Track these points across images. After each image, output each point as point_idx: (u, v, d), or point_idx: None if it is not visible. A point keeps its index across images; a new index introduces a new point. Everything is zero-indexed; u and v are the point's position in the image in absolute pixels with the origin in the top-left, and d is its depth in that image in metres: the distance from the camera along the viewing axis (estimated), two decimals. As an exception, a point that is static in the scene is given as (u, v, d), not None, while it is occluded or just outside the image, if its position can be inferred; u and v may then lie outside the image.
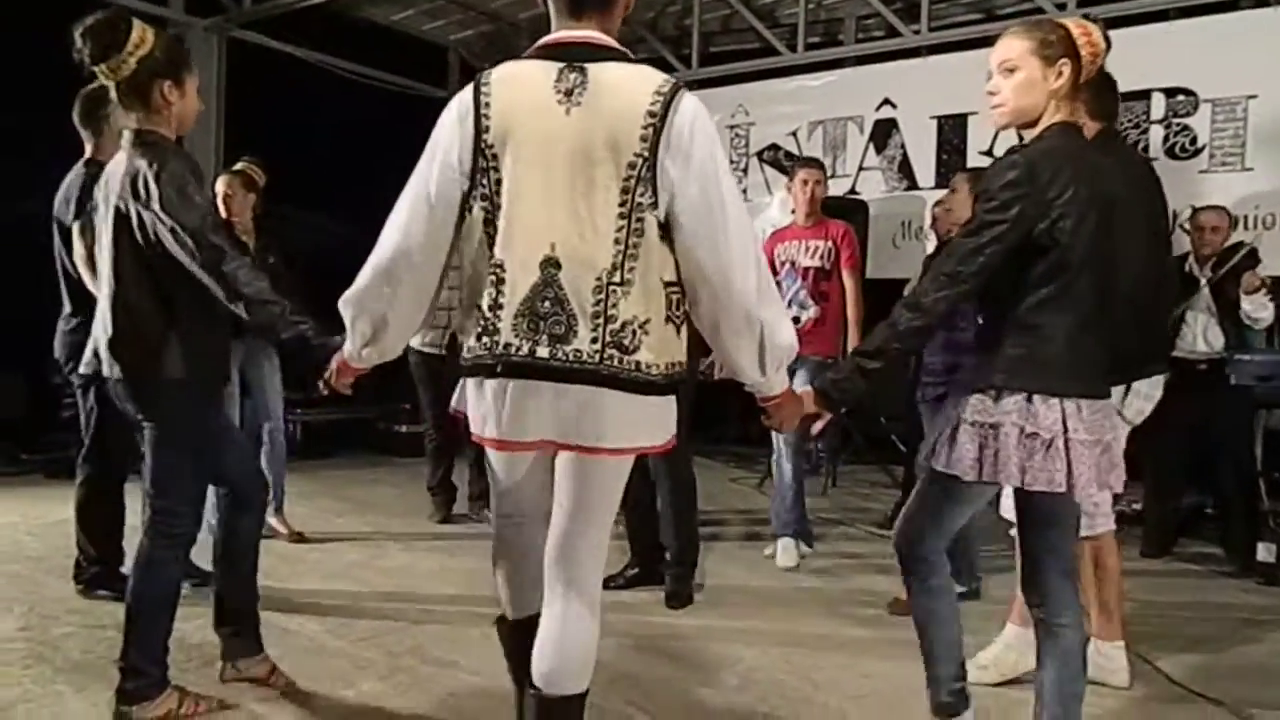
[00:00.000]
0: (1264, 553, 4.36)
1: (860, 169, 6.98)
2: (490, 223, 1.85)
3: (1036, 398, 2.06)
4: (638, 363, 1.81)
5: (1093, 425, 2.08)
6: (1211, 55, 5.42)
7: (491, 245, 1.85)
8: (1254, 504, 4.62)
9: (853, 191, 6.86)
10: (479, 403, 1.89)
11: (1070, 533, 2.26)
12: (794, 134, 7.44)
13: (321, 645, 3.20)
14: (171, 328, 2.49)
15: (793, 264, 4.49)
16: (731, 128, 7.76)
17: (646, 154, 1.81)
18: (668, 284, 1.85)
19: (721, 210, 1.83)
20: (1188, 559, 4.79)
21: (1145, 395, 3.00)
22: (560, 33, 1.93)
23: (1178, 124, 5.57)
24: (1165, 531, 4.89)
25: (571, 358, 1.80)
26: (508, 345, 1.82)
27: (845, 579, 4.20)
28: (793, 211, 4.72)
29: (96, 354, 2.59)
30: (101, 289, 2.59)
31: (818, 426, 2.36)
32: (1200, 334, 4.64)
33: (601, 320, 1.80)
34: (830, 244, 4.49)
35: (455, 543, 4.74)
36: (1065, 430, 2.05)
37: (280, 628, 3.31)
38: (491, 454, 1.97)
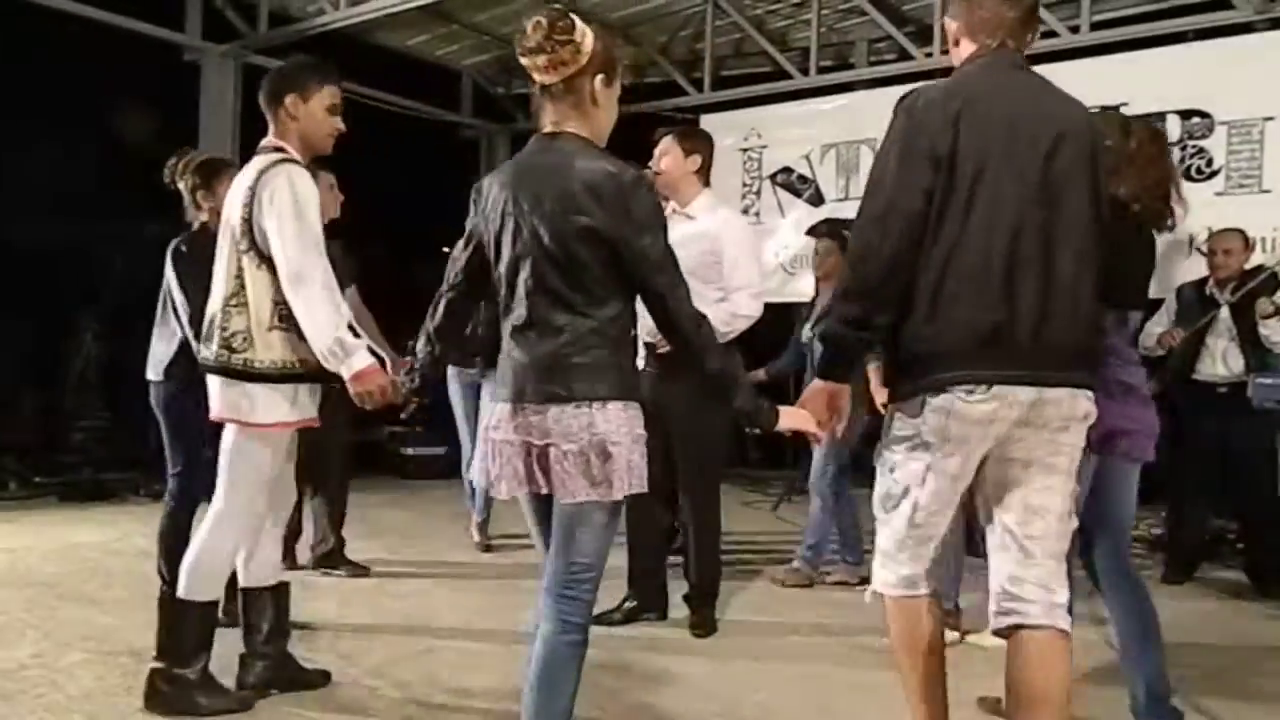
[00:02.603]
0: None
1: (874, 192, 6.95)
2: None
3: None
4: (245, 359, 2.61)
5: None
6: (1227, 78, 5.40)
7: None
8: (1277, 528, 4.55)
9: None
10: None
11: None
12: (806, 157, 7.44)
13: (338, 673, 3.16)
14: None
15: None
16: (744, 150, 7.78)
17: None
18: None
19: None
20: (1211, 584, 4.72)
21: None
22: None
23: (1193, 146, 5.54)
24: (1187, 557, 4.82)
25: None
26: None
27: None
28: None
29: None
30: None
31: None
32: (1220, 357, 4.59)
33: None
34: None
35: (469, 568, 4.71)
36: None
37: (295, 655, 3.28)
38: None
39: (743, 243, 3.75)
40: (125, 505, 6.38)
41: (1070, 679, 2.05)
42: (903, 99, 2.04)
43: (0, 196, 8.62)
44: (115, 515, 5.94)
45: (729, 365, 2.12)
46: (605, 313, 2.04)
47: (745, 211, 7.67)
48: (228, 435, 2.74)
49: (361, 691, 3.02)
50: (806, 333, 4.64)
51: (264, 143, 2.77)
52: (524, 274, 2.06)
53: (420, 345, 2.37)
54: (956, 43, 2.15)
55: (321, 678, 3.03)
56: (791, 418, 2.15)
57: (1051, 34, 6.49)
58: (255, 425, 2.67)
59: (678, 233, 3.68)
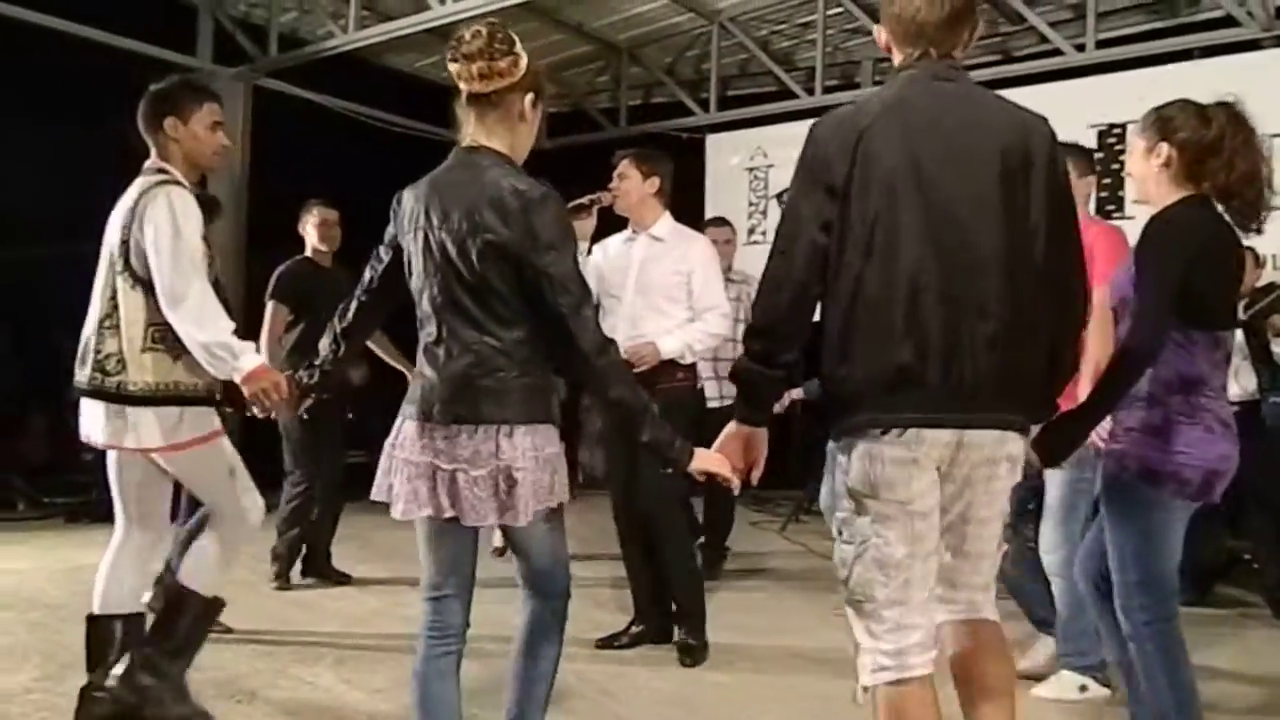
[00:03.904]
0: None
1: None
2: None
3: None
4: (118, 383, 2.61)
5: None
6: (1234, 95, 5.38)
7: None
8: (1291, 549, 4.50)
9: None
10: None
11: None
12: (813, 176, 7.43)
13: (338, 697, 3.15)
14: None
15: None
16: (750, 170, 7.80)
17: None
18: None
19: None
20: (1224, 605, 4.67)
21: None
22: None
23: (1202, 164, 5.52)
24: (1201, 577, 4.76)
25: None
26: None
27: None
28: None
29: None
30: None
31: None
32: (1232, 376, 4.55)
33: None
34: None
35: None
36: None
37: (297, 678, 3.27)
38: None
39: (711, 264, 3.75)
40: (133, 526, 6.36)
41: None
42: (815, 123, 1.89)
43: (17, 217, 8.73)
44: (122, 536, 5.91)
45: (633, 395, 2.04)
46: (513, 334, 2.02)
47: (751, 231, 7.68)
48: (124, 462, 2.76)
49: (365, 716, 2.99)
50: None
51: (147, 164, 2.76)
52: (433, 290, 2.06)
53: (325, 343, 2.37)
54: (887, 50, 1.96)
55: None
56: (706, 460, 2.03)
57: (1056, 52, 6.49)
58: (139, 450, 2.68)
59: (647, 254, 3.71)
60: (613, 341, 2.07)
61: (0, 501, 7.03)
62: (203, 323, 2.56)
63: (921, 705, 1.82)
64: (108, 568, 2.78)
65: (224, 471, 2.77)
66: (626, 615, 3.82)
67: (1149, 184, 2.44)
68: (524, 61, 2.06)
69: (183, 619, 2.75)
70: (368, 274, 2.29)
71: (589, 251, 3.70)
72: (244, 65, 7.73)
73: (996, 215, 1.80)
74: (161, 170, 2.72)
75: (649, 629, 3.76)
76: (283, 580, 4.52)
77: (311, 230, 4.65)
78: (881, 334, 1.77)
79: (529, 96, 2.10)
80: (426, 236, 2.06)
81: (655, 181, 3.71)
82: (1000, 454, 1.85)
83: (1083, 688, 3.17)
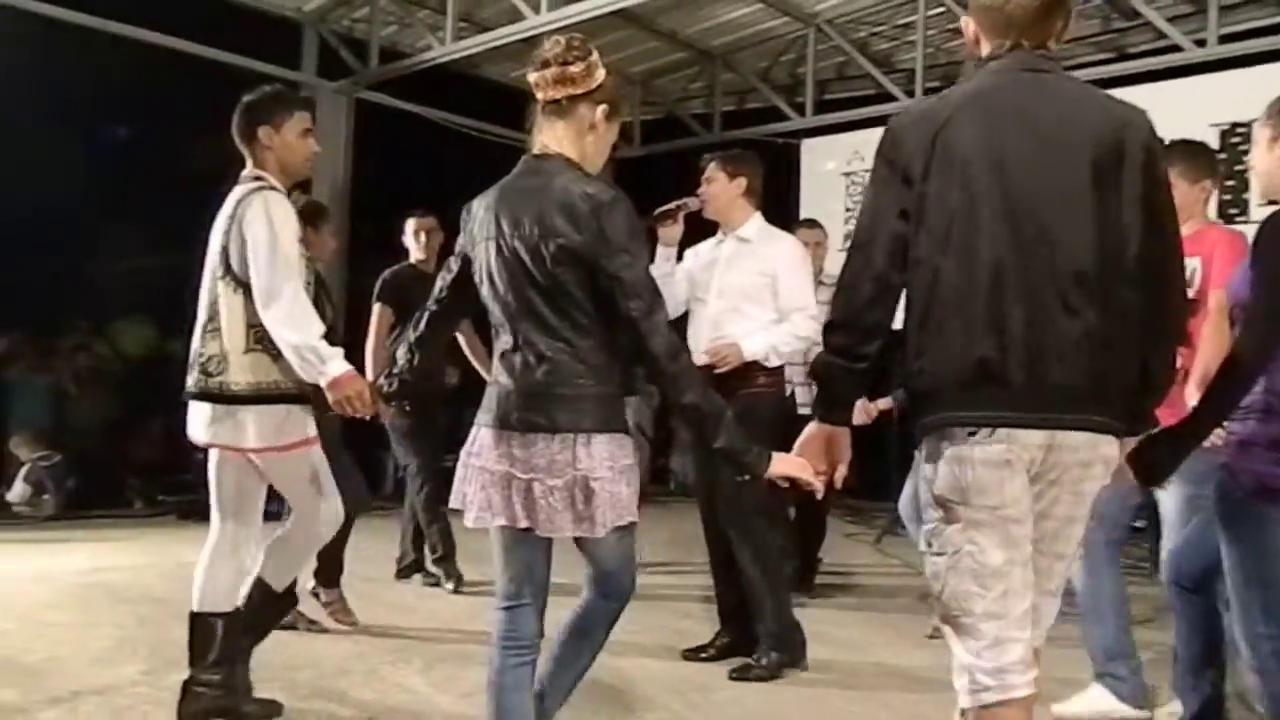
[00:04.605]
0: None
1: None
2: None
3: None
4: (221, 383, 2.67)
5: None
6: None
7: None
8: None
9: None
10: None
11: None
12: (912, 180, 7.27)
13: (426, 700, 3.17)
14: None
15: None
16: (847, 175, 7.66)
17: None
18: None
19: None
20: None
21: None
22: None
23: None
24: None
25: None
26: None
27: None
28: None
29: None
30: None
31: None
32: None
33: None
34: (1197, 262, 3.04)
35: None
36: None
37: (387, 679, 3.32)
38: None
39: (797, 264, 3.65)
40: (239, 525, 6.58)
41: None
42: (893, 116, 1.86)
43: (139, 228, 9.17)
44: (229, 534, 6.12)
45: (706, 400, 1.99)
46: (588, 341, 2.00)
47: (847, 237, 7.54)
48: (223, 461, 2.81)
49: (453, 720, 3.01)
50: None
51: (244, 173, 2.83)
52: (507, 298, 2.05)
53: (401, 353, 2.40)
54: (975, 42, 1.89)
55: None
56: (786, 464, 1.97)
57: (1175, 48, 6.19)
58: (273, 450, 2.73)
59: (731, 255, 3.64)
60: (685, 347, 2.04)
61: (117, 500, 7.39)
62: (294, 324, 2.61)
63: None
64: (205, 566, 2.86)
65: (308, 476, 2.85)
66: (715, 626, 3.76)
67: (1275, 177, 2.29)
68: (600, 72, 2.06)
69: (254, 611, 2.87)
70: (439, 284, 2.30)
71: (679, 258, 3.67)
72: (346, 79, 7.95)
73: (1084, 212, 1.72)
74: (258, 178, 2.79)
75: (736, 641, 3.67)
76: (457, 580, 4.63)
77: (411, 240, 4.81)
78: (960, 327, 1.71)
79: (602, 108, 2.09)
80: (498, 245, 2.06)
81: (742, 182, 3.65)
82: (1094, 456, 1.76)
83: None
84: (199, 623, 2.82)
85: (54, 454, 7.11)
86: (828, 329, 1.87)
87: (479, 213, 2.14)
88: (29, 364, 7.91)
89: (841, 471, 2.00)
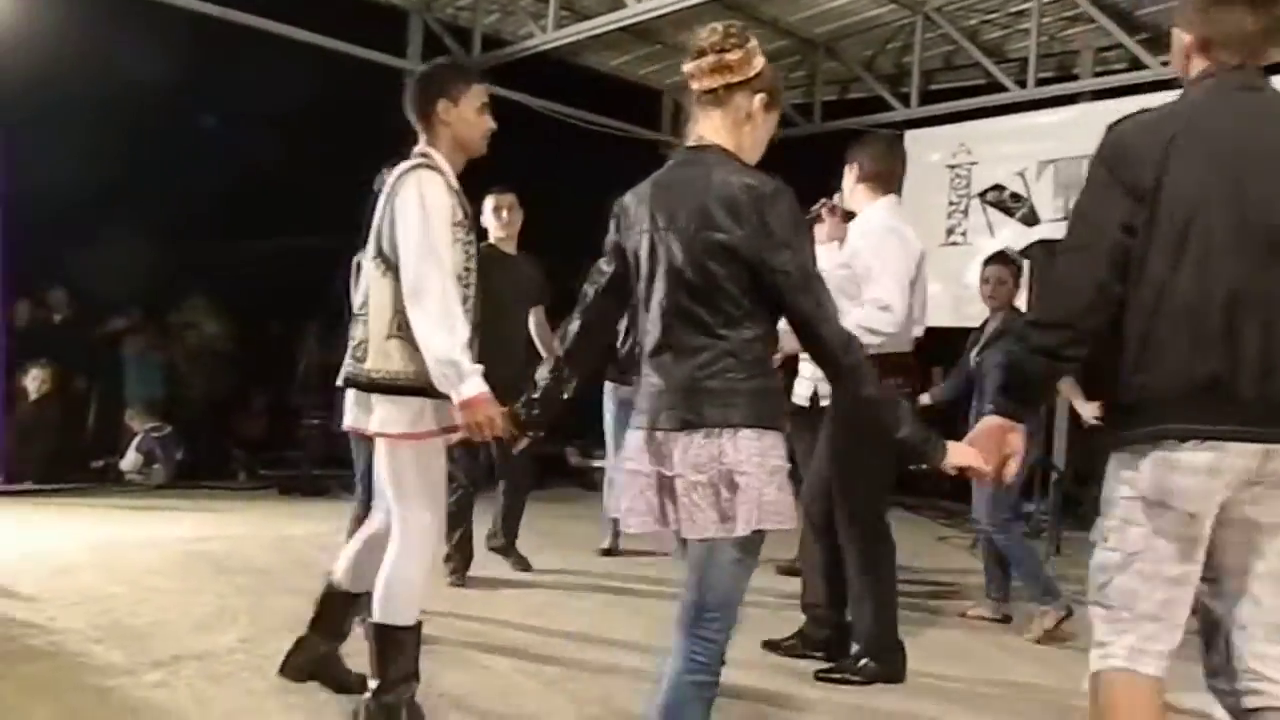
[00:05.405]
0: None
1: (1096, 211, 6.47)
2: None
3: None
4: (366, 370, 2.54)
5: None
6: None
7: None
8: None
9: (1087, 235, 6.36)
10: None
11: None
12: (1021, 174, 7.03)
13: (513, 684, 3.19)
14: None
15: None
16: (951, 167, 7.44)
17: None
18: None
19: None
20: None
21: None
22: None
23: None
24: None
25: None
26: None
27: (1065, 667, 3.79)
28: None
29: None
30: None
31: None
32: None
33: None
34: None
35: (651, 586, 4.67)
36: None
37: (475, 663, 3.34)
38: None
39: (882, 255, 3.37)
40: (337, 502, 6.74)
41: None
42: (1113, 125, 1.87)
43: (249, 213, 9.50)
44: (328, 511, 6.28)
45: (885, 392, 1.96)
46: (742, 334, 1.93)
47: (950, 232, 7.32)
48: (378, 448, 2.65)
49: (536, 704, 3.01)
50: (973, 359, 4.37)
51: (414, 150, 2.66)
52: (659, 295, 1.99)
53: (544, 371, 2.26)
54: (1187, 57, 1.90)
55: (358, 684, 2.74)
56: (961, 454, 1.96)
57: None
58: (387, 436, 2.56)
59: (829, 246, 3.58)
60: (855, 337, 1.97)
61: (222, 472, 7.67)
62: (439, 330, 2.44)
63: (1146, 702, 1.80)
64: (356, 546, 2.78)
65: (417, 474, 2.61)
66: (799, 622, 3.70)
67: None
68: (758, 60, 2.02)
69: (388, 654, 2.65)
70: (588, 291, 2.19)
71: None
72: (450, 66, 8.05)
73: None
74: (424, 155, 2.62)
75: (827, 638, 3.58)
76: (459, 577, 4.49)
77: (490, 217, 4.60)
78: (1191, 343, 1.74)
79: (760, 97, 2.03)
80: (653, 240, 2.00)
81: (855, 168, 3.53)
82: None
83: None
84: (335, 596, 2.80)
85: (165, 426, 7.42)
86: (1034, 328, 1.90)
87: (631, 206, 2.09)
88: (145, 340, 8.28)
89: (1013, 467, 2.00)
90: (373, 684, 2.58)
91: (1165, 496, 1.77)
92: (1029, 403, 1.97)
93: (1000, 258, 4.55)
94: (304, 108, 8.75)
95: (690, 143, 2.06)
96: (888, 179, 3.55)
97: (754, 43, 2.01)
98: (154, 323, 8.52)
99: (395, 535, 2.61)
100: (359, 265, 3.34)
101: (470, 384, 2.43)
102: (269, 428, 8.69)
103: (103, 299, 8.33)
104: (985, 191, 7.27)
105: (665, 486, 1.95)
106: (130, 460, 7.28)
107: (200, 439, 7.79)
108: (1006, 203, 7.13)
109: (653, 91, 9.45)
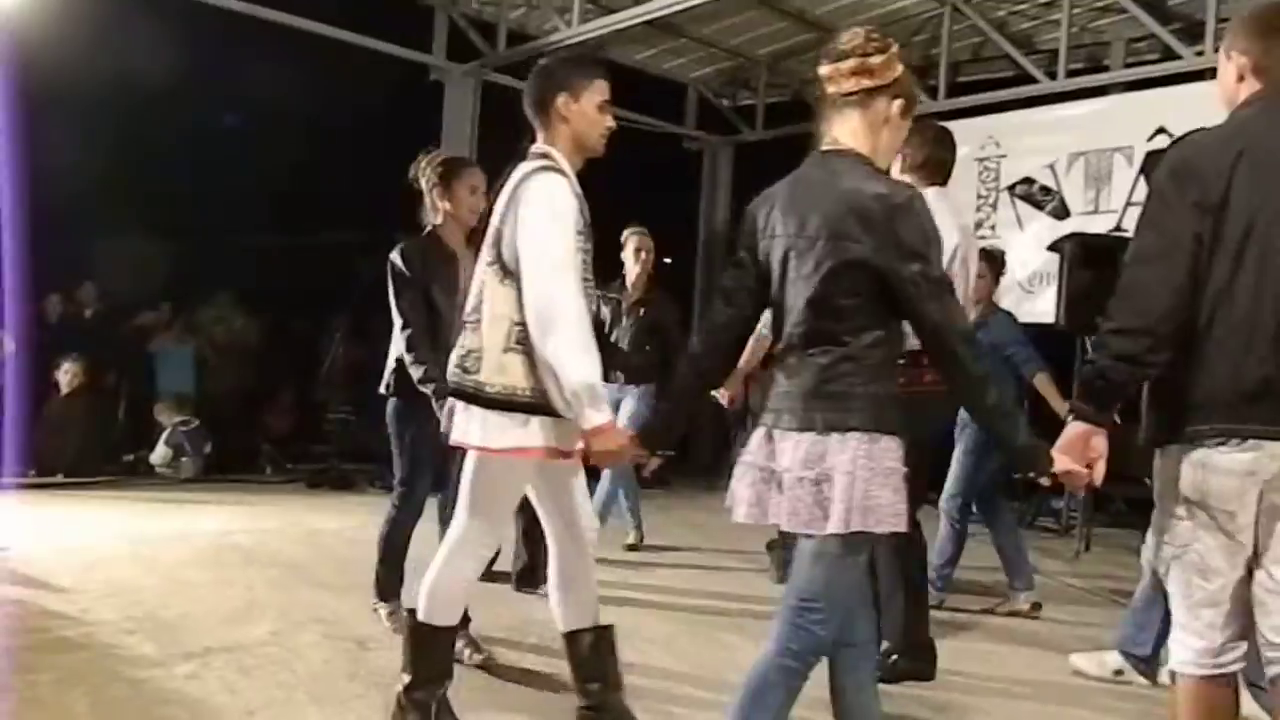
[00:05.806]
0: None
1: (1128, 204, 6.39)
2: None
3: None
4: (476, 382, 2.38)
5: None
6: None
7: None
8: None
9: (1118, 229, 6.28)
10: None
11: None
12: (1050, 167, 6.95)
13: (537, 678, 3.18)
14: None
15: None
16: (980, 160, 7.36)
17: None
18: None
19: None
20: None
21: None
22: None
23: None
24: None
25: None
26: None
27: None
28: None
29: None
30: None
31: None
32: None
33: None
34: None
35: (670, 587, 4.65)
36: None
37: (502, 659, 3.34)
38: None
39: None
40: (364, 496, 6.81)
41: None
42: (1177, 140, 2.00)
43: (276, 209, 9.56)
44: (354, 505, 6.34)
45: (1009, 402, 2.00)
46: (865, 340, 1.97)
47: (979, 225, 7.25)
48: (469, 458, 2.54)
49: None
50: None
51: (532, 149, 2.49)
52: (789, 299, 2.02)
53: (674, 395, 2.29)
54: (1240, 78, 2.00)
55: None
56: (1064, 462, 1.98)
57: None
58: (487, 450, 2.43)
59: None
60: (984, 348, 2.03)
61: (250, 465, 7.73)
62: (576, 352, 2.29)
63: (1223, 705, 1.94)
64: (554, 595, 2.62)
65: (506, 491, 2.54)
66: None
67: None
68: (899, 65, 2.04)
69: (426, 652, 2.60)
70: (720, 307, 2.18)
71: None
72: (474, 61, 8.07)
73: None
74: (544, 155, 2.45)
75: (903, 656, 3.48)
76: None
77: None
78: (1243, 346, 1.85)
79: (899, 102, 2.05)
80: (784, 247, 2.04)
81: (902, 157, 3.43)
82: None
83: (1118, 671, 3.35)
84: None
85: (193, 419, 7.48)
86: (1115, 334, 1.93)
87: (763, 211, 2.11)
88: (174, 335, 8.36)
89: (1100, 470, 2.02)
90: (405, 678, 2.57)
91: (1204, 496, 1.88)
92: (1109, 408, 2.00)
93: (980, 253, 4.52)
94: (330, 104, 8.81)
95: (825, 146, 2.07)
96: (936, 169, 3.50)
97: (895, 48, 2.04)
98: (183, 318, 8.60)
99: (455, 538, 2.55)
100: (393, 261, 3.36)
101: (603, 411, 2.31)
102: (296, 422, 8.75)
103: (132, 294, 8.42)
104: (1014, 185, 7.19)
105: (773, 480, 2.00)
106: (160, 454, 7.34)
107: (228, 433, 7.84)
108: (1036, 196, 7.05)
109: (678, 85, 9.42)
